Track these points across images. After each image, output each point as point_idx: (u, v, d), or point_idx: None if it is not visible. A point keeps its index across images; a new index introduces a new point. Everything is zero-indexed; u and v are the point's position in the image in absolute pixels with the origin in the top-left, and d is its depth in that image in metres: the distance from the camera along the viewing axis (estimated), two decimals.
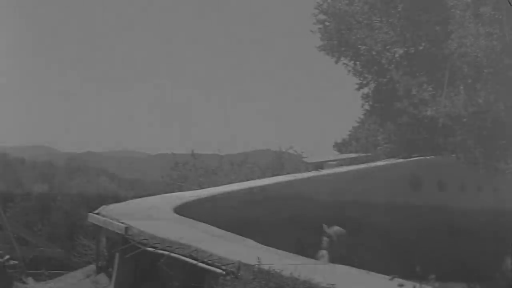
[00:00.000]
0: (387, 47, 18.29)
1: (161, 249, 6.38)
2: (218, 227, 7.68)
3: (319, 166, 15.49)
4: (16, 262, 11.10)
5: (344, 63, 18.71)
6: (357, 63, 18.70)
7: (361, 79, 18.84)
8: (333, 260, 8.77)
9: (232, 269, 5.22)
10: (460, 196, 16.85)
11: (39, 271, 14.82)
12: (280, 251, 6.10)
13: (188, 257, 5.93)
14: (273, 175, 16.35)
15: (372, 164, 15.73)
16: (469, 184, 17.26)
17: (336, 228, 9.47)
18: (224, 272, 5.29)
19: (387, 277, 4.81)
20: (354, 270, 5.22)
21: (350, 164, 16.09)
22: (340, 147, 23.34)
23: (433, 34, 17.33)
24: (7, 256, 9.81)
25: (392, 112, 18.34)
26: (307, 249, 11.46)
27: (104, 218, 8.01)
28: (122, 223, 7.35)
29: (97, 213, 8.45)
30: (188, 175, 18.80)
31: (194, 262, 5.80)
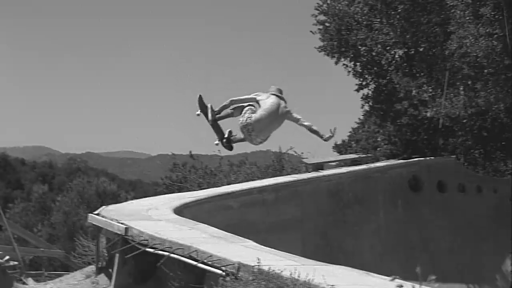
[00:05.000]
0: (387, 48, 18.31)
1: (161, 250, 6.39)
2: (218, 228, 7.69)
3: (319, 167, 15.50)
4: (16, 263, 11.09)
5: (344, 64, 18.75)
6: (357, 64, 18.72)
7: (361, 80, 18.87)
8: None
9: (232, 270, 5.23)
10: (460, 197, 16.89)
11: (39, 272, 14.85)
12: (280, 252, 6.11)
13: (188, 258, 5.93)
14: (273, 176, 16.37)
15: (372, 165, 15.77)
16: (469, 185, 17.29)
17: None
18: (224, 273, 5.30)
19: (387, 277, 4.81)
20: (354, 271, 5.22)
21: (350, 165, 16.11)
22: (340, 148, 23.40)
23: (433, 35, 17.34)
24: (7, 257, 9.79)
25: (392, 113, 18.37)
26: (308, 250, 11.48)
27: (104, 219, 8.01)
28: (122, 223, 7.35)
29: (97, 214, 8.45)
30: (187, 176, 18.81)
31: (194, 263, 5.81)
